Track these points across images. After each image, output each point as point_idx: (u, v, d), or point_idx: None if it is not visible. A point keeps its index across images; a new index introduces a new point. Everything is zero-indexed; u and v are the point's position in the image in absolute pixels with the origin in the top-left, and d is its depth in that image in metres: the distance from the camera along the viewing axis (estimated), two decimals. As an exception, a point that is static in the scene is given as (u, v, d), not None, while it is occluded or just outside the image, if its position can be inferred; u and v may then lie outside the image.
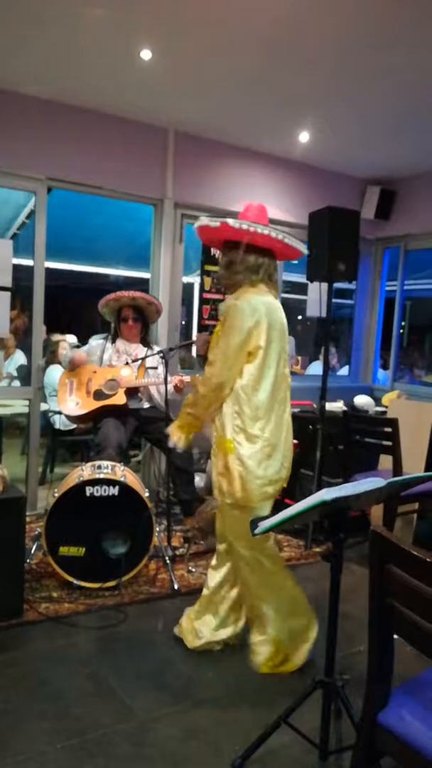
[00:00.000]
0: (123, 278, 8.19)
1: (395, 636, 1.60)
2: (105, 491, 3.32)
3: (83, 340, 6.20)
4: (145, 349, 4.26)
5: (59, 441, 5.44)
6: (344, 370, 6.56)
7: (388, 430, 3.82)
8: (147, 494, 3.47)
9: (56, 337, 6.04)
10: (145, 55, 3.49)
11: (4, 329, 4.37)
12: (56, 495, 3.32)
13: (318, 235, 4.32)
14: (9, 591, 2.97)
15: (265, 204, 5.22)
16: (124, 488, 3.34)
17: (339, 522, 1.97)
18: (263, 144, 5.00)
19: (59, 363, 5.53)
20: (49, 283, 4.47)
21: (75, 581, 3.28)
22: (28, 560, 3.39)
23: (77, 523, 3.28)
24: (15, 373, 6.14)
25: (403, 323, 7.29)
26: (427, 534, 4.24)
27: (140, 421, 4.15)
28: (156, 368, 4.11)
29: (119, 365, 4.15)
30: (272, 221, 5.36)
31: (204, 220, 2.64)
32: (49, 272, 4.50)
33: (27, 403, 4.58)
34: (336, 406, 5.05)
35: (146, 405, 4.23)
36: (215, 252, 5.11)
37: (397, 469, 3.77)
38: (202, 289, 5.17)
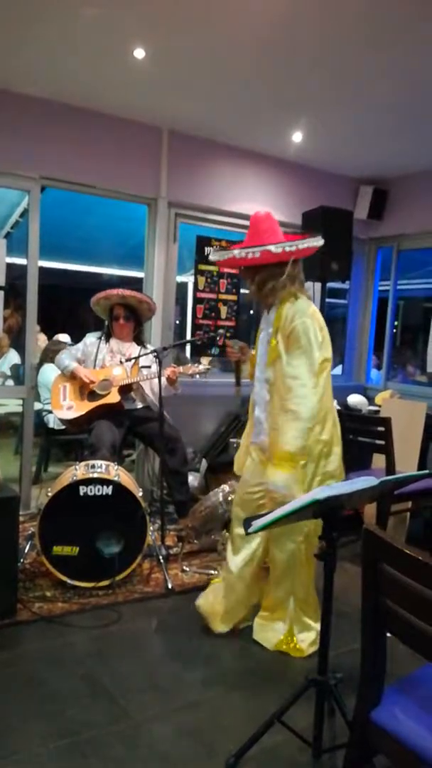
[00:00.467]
0: (117, 277, 8.18)
1: (388, 634, 1.60)
2: (99, 491, 3.32)
3: (76, 340, 6.20)
4: (139, 348, 4.25)
5: (53, 440, 5.43)
6: (337, 370, 6.58)
7: (381, 429, 3.83)
8: (141, 494, 3.47)
9: (61, 336, 6.03)
10: (139, 54, 3.49)
11: (-2, 328, 4.36)
12: (50, 494, 3.31)
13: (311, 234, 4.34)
14: (2, 591, 2.96)
15: (258, 204, 5.28)
16: (118, 488, 3.34)
17: (332, 521, 1.98)
18: (257, 143, 5.01)
19: (52, 362, 5.54)
20: (43, 282, 4.46)
21: (69, 581, 3.27)
22: (21, 560, 3.38)
23: (71, 522, 3.27)
24: (8, 373, 6.13)
25: (396, 323, 7.31)
26: (421, 532, 4.26)
27: (133, 421, 4.15)
28: (149, 368, 4.11)
29: (113, 365, 4.14)
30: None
31: (239, 253, 2.69)
32: (43, 271, 4.49)
33: (20, 402, 4.57)
34: (329, 405, 5.05)
35: (139, 405, 4.22)
36: (209, 251, 5.12)
37: (390, 467, 3.78)
38: (196, 289, 5.17)
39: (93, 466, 3.43)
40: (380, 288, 6.27)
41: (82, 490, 3.30)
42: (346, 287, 6.16)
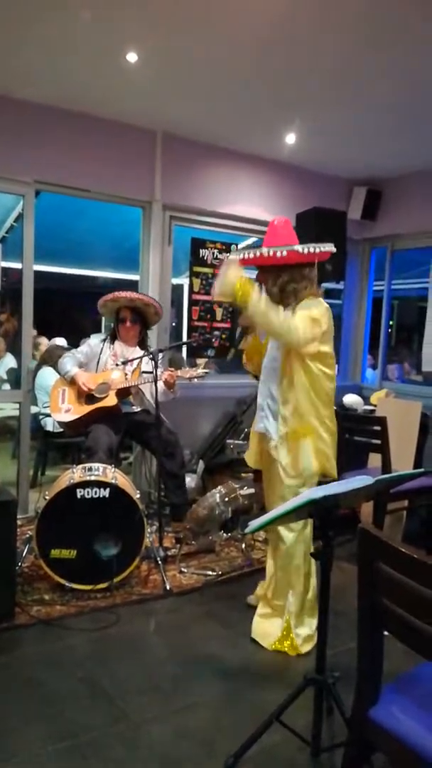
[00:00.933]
0: (112, 280, 8.18)
1: (385, 633, 1.61)
2: (96, 493, 3.32)
3: (73, 343, 6.21)
4: (142, 352, 4.23)
5: (50, 443, 5.44)
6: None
7: (376, 428, 3.84)
8: (138, 496, 3.48)
9: (42, 340, 6.04)
10: (131, 57, 3.50)
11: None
12: (47, 497, 3.32)
13: (305, 235, 4.34)
14: (0, 594, 2.96)
15: (252, 205, 5.29)
16: (115, 490, 3.34)
17: (328, 520, 1.99)
18: (251, 146, 5.02)
19: (51, 365, 5.54)
20: (39, 286, 4.46)
21: (67, 583, 3.27)
22: (19, 563, 3.38)
23: (68, 525, 3.28)
24: (5, 377, 6.13)
25: (390, 323, 7.34)
26: (417, 531, 4.28)
27: (131, 424, 4.15)
28: (151, 373, 4.09)
29: (113, 369, 4.14)
30: (259, 222, 5.42)
31: (268, 251, 2.76)
32: (38, 275, 4.49)
33: (17, 406, 4.57)
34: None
35: (137, 408, 4.22)
36: (204, 254, 5.13)
37: (386, 466, 3.79)
38: (191, 291, 5.18)
39: (90, 469, 3.44)
40: (374, 288, 6.30)
41: (80, 493, 3.31)
42: (341, 287, 6.18)
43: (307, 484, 2.84)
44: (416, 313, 8.82)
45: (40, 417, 5.31)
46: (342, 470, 3.86)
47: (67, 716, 2.33)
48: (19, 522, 3.29)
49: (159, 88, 3.97)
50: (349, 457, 4.48)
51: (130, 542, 3.36)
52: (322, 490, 1.83)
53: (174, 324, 6.84)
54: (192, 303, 5.17)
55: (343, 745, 1.84)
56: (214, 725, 2.33)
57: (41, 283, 4.57)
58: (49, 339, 6.19)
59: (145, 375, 4.09)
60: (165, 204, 4.86)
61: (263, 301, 2.71)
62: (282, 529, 2.93)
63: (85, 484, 3.31)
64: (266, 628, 2.94)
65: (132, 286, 5.03)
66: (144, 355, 4.03)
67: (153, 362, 3.76)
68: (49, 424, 5.27)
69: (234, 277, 2.68)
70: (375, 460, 4.15)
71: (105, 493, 3.33)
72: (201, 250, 5.14)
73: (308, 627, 2.92)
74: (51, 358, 5.41)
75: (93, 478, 3.34)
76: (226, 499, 3.92)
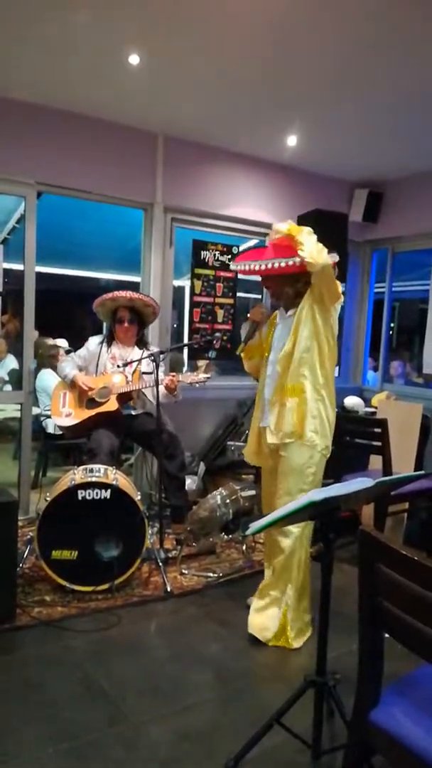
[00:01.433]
0: (114, 282, 8.19)
1: (386, 635, 1.61)
2: (97, 494, 3.33)
3: (73, 344, 6.22)
4: (140, 351, 4.23)
5: (51, 445, 5.44)
6: (334, 372, 6.60)
7: (377, 430, 3.85)
8: (139, 497, 3.48)
9: (49, 341, 6.04)
10: (133, 60, 3.50)
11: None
12: (48, 499, 3.32)
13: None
14: (1, 595, 2.97)
15: (254, 207, 5.31)
16: (116, 491, 3.34)
17: (329, 522, 1.99)
18: (252, 148, 5.03)
19: (51, 367, 5.55)
20: (40, 287, 4.47)
21: (68, 585, 3.28)
22: (20, 564, 3.38)
23: (70, 526, 3.28)
24: (6, 378, 6.13)
25: (392, 325, 7.34)
26: (417, 533, 4.27)
27: (133, 426, 4.14)
28: (151, 374, 4.09)
29: (113, 372, 4.13)
30: (261, 224, 5.42)
31: (279, 263, 2.86)
32: (40, 277, 4.49)
33: (19, 407, 4.57)
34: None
35: (139, 411, 4.21)
36: (205, 256, 5.14)
37: (387, 469, 3.80)
38: (192, 293, 5.18)
39: (91, 470, 3.44)
40: (376, 290, 6.30)
41: (81, 494, 3.31)
42: (342, 290, 6.17)
43: (289, 446, 2.92)
44: (417, 316, 8.82)
45: (42, 418, 5.31)
46: (342, 472, 3.88)
47: (68, 717, 2.33)
48: (20, 523, 3.29)
49: (160, 90, 3.98)
50: (350, 459, 4.50)
51: (131, 544, 3.36)
52: (323, 493, 1.83)
53: (175, 326, 6.84)
54: (193, 305, 5.17)
55: (343, 747, 1.84)
56: (214, 726, 2.33)
57: (43, 285, 4.58)
58: (52, 339, 6.21)
59: (146, 378, 4.09)
60: (166, 206, 4.87)
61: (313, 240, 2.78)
62: (280, 538, 2.95)
63: (86, 486, 3.32)
64: (263, 622, 2.97)
65: (133, 287, 5.03)
66: (145, 357, 4.03)
67: (154, 364, 3.76)
68: (51, 426, 5.28)
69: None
70: (376, 462, 4.15)
71: (106, 494, 3.34)
72: (202, 252, 5.15)
73: (301, 621, 2.98)
74: (35, 353, 5.45)
75: (94, 479, 3.35)
76: (227, 500, 3.93)
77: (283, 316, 3.11)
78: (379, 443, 3.82)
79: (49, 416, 5.25)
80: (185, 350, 5.87)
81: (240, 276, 5.30)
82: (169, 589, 3.41)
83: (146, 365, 4.11)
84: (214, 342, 5.22)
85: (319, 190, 5.53)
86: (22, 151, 4.21)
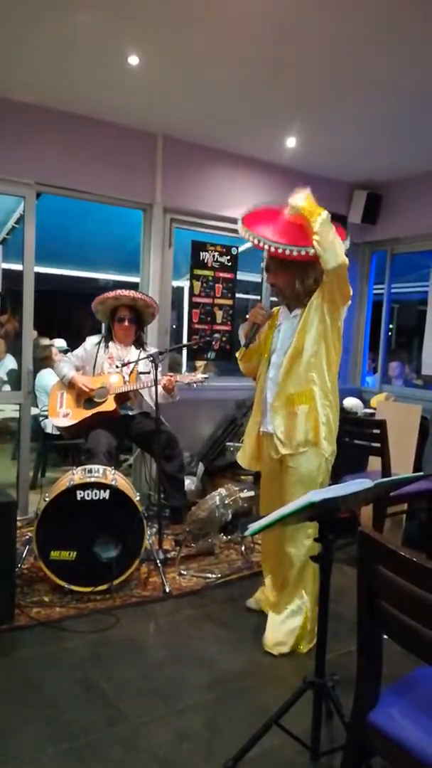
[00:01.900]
0: (113, 282, 8.19)
1: (384, 636, 1.62)
2: (96, 495, 3.33)
3: (72, 344, 6.22)
4: (138, 351, 4.23)
5: (50, 445, 5.44)
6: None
7: (376, 431, 3.85)
8: (138, 498, 3.48)
9: (44, 341, 6.05)
10: (133, 61, 3.51)
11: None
12: (47, 499, 3.32)
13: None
14: (0, 596, 2.96)
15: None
16: (115, 492, 3.34)
17: (328, 523, 1.99)
18: (251, 149, 5.03)
19: (50, 367, 5.55)
20: (39, 288, 4.47)
21: (66, 585, 3.27)
22: (19, 565, 3.38)
23: (68, 527, 3.28)
24: (5, 378, 6.13)
25: (390, 326, 7.34)
26: (417, 534, 4.28)
27: (131, 427, 4.14)
28: (148, 374, 4.08)
29: (111, 372, 4.13)
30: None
31: (298, 250, 2.78)
32: (39, 277, 4.49)
33: (17, 407, 4.57)
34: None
35: (136, 411, 4.21)
36: (204, 257, 5.14)
37: (386, 470, 3.80)
38: (191, 293, 5.18)
39: (90, 471, 3.44)
40: (375, 292, 6.30)
41: (80, 494, 3.31)
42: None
43: (300, 456, 2.85)
44: (416, 317, 8.83)
45: (41, 419, 5.31)
46: (342, 473, 3.89)
47: (66, 718, 2.33)
48: (18, 523, 3.30)
49: (160, 91, 3.98)
50: (349, 461, 4.50)
51: (130, 544, 3.36)
52: (322, 494, 1.84)
53: (174, 326, 6.84)
54: (192, 305, 5.17)
55: (342, 748, 1.83)
56: (213, 728, 2.33)
57: (42, 285, 4.58)
58: (50, 340, 6.21)
59: (143, 378, 4.09)
60: (166, 207, 4.87)
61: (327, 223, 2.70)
62: (292, 551, 2.91)
63: (85, 486, 3.32)
64: (279, 637, 2.90)
65: (133, 288, 5.03)
66: (144, 358, 4.03)
67: (153, 364, 3.76)
68: (49, 426, 5.27)
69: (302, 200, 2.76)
70: (375, 463, 4.16)
71: (105, 494, 3.34)
72: (201, 253, 5.15)
73: (314, 628, 2.91)
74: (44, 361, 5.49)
75: (93, 479, 3.35)
76: (226, 501, 3.92)
77: (287, 316, 3.01)
78: (378, 444, 3.82)
79: (47, 416, 5.25)
80: (184, 351, 5.87)
81: (242, 248, 5.28)
82: (167, 590, 3.41)
83: (144, 365, 4.11)
84: (213, 343, 5.22)
85: (318, 191, 5.45)
86: (22, 151, 4.21)
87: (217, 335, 5.23)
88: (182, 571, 3.71)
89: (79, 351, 4.27)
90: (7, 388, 5.90)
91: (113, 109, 4.32)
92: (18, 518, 3.17)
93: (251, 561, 3.88)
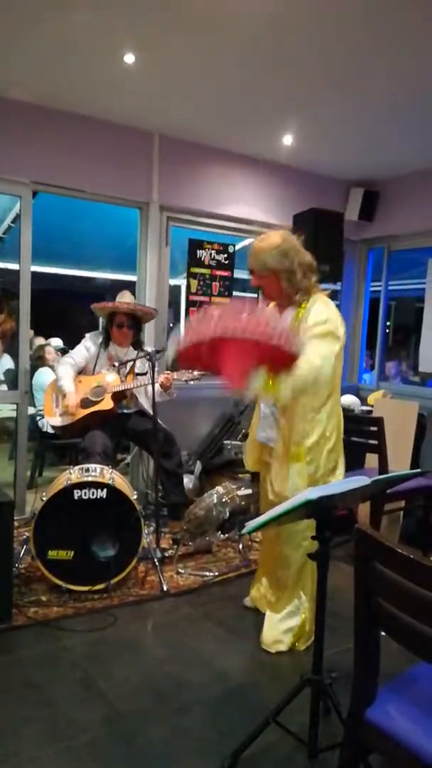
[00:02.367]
0: (110, 281, 8.18)
1: (382, 633, 1.62)
2: (93, 494, 3.33)
3: (69, 344, 6.21)
4: (136, 352, 4.22)
5: (47, 445, 5.43)
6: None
7: (373, 429, 3.85)
8: (135, 496, 3.48)
9: (39, 340, 6.05)
10: (129, 59, 3.50)
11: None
12: (44, 498, 3.32)
13: (302, 236, 4.36)
14: (-3, 596, 2.96)
15: (250, 206, 5.31)
16: (113, 491, 3.34)
17: (325, 520, 1.99)
18: (248, 147, 5.03)
19: (48, 366, 5.55)
20: (36, 287, 4.46)
21: (64, 585, 3.27)
22: (16, 564, 3.38)
23: (66, 526, 3.28)
24: (2, 378, 6.12)
25: (388, 323, 7.35)
26: (414, 531, 4.28)
27: (127, 425, 4.14)
28: (145, 374, 4.08)
29: (107, 371, 4.12)
30: (257, 223, 5.42)
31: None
32: (36, 276, 4.48)
33: (14, 407, 4.57)
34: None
35: (133, 409, 4.21)
36: (201, 255, 5.13)
37: (383, 467, 3.80)
38: (188, 292, 5.18)
39: (87, 470, 3.44)
40: (372, 289, 6.31)
41: (77, 493, 3.31)
42: (338, 288, 6.19)
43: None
44: (413, 314, 8.84)
45: (38, 418, 5.31)
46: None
47: (65, 717, 2.33)
48: (16, 523, 3.30)
49: (156, 89, 3.98)
50: (346, 458, 4.49)
51: (128, 543, 3.36)
52: (319, 491, 1.84)
53: (171, 325, 6.83)
54: (189, 304, 5.17)
55: (339, 745, 1.84)
56: (211, 726, 2.33)
57: (39, 284, 4.57)
58: (46, 339, 6.21)
59: (140, 378, 4.09)
60: (162, 205, 4.87)
61: (289, 385, 2.53)
62: (290, 552, 2.90)
63: (82, 485, 3.32)
64: (277, 636, 2.90)
65: (130, 286, 5.03)
66: (140, 357, 4.03)
67: (150, 363, 3.76)
68: (47, 426, 5.27)
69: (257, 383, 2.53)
70: (372, 460, 4.16)
71: (102, 493, 3.33)
72: (198, 251, 5.15)
73: (312, 627, 2.92)
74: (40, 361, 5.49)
75: (90, 478, 3.35)
76: (224, 499, 3.93)
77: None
78: (375, 442, 3.83)
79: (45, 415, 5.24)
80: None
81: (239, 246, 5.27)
82: (165, 589, 3.41)
83: (141, 367, 4.12)
84: None
85: (315, 188, 5.53)
86: (18, 150, 4.20)
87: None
88: (180, 570, 3.71)
89: (81, 351, 4.22)
90: (4, 387, 5.90)
91: (110, 107, 4.32)
92: (15, 518, 3.16)
93: (249, 559, 3.88)
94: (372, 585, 1.56)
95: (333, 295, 3.13)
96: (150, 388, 3.75)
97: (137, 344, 4.30)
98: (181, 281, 6.14)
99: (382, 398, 5.24)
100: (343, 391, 5.52)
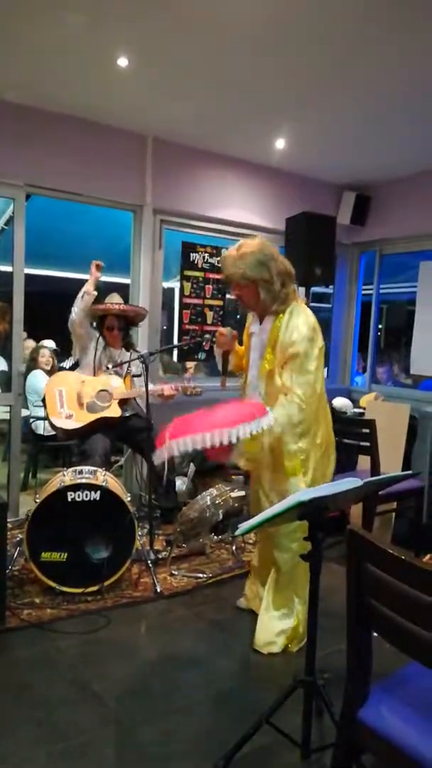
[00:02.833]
0: (103, 284, 8.16)
1: (374, 634, 1.63)
2: (86, 496, 3.33)
3: (62, 346, 6.20)
4: (128, 353, 4.23)
5: (41, 447, 5.42)
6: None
7: (365, 431, 3.87)
8: (129, 498, 3.48)
9: (30, 343, 6.03)
10: (122, 62, 3.51)
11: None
12: (38, 500, 3.32)
13: (295, 240, 4.38)
14: (-9, 598, 2.96)
15: (242, 210, 5.32)
16: (106, 493, 3.35)
17: (318, 522, 2.01)
18: (241, 150, 5.05)
19: (42, 369, 5.54)
20: (29, 289, 4.45)
21: (57, 587, 3.27)
22: (9, 567, 3.37)
23: (59, 528, 3.28)
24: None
25: (379, 326, 7.38)
26: (405, 533, 4.31)
27: (122, 428, 4.14)
28: (140, 376, 4.08)
29: (109, 375, 4.11)
30: (249, 227, 5.44)
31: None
32: (29, 279, 4.48)
33: (8, 409, 4.56)
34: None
35: (128, 412, 4.22)
36: (195, 258, 5.15)
37: (375, 469, 3.82)
38: (182, 294, 5.19)
39: (81, 472, 3.44)
40: (363, 292, 6.34)
41: (70, 495, 3.31)
42: (330, 291, 6.22)
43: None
44: (405, 317, 8.88)
45: (31, 420, 5.29)
46: (332, 472, 3.90)
47: (58, 719, 2.34)
48: (10, 525, 3.29)
49: (150, 93, 3.99)
50: (339, 460, 4.51)
51: (121, 545, 3.37)
52: (311, 493, 1.85)
53: (165, 327, 6.85)
54: (183, 306, 5.18)
55: (332, 746, 1.85)
56: (205, 727, 2.34)
57: (32, 287, 4.56)
58: (38, 342, 6.19)
59: (136, 380, 4.10)
60: (155, 208, 4.88)
61: (267, 435, 2.63)
62: (279, 554, 2.92)
63: (75, 487, 3.32)
64: (270, 638, 2.90)
65: (123, 289, 5.04)
66: (135, 359, 4.03)
67: (144, 365, 3.77)
68: (40, 428, 5.25)
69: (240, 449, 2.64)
70: (364, 462, 4.18)
71: (96, 495, 3.34)
72: (191, 254, 5.16)
73: (305, 629, 2.93)
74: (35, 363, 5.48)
75: (83, 480, 3.35)
76: (217, 501, 3.93)
77: (256, 329, 2.93)
78: (367, 444, 3.85)
79: (39, 418, 5.22)
80: (174, 351, 5.87)
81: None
82: (159, 590, 3.41)
83: (135, 368, 4.12)
84: (204, 344, 5.24)
85: (308, 192, 5.55)
86: (11, 152, 4.20)
87: (207, 336, 5.23)
88: (173, 572, 3.71)
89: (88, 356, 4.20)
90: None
91: (103, 110, 4.33)
92: (9, 520, 3.16)
93: (242, 560, 3.89)
94: (364, 586, 1.58)
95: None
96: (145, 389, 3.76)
97: (128, 345, 4.31)
98: (175, 284, 6.16)
99: (374, 401, 5.26)
100: (335, 394, 5.60)
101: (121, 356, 4.20)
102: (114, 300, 4.22)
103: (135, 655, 2.85)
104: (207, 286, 5.25)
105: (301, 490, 1.88)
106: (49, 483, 3.54)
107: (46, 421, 4.16)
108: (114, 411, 3.97)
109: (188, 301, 5.18)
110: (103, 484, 3.35)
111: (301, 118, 4.29)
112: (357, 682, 1.66)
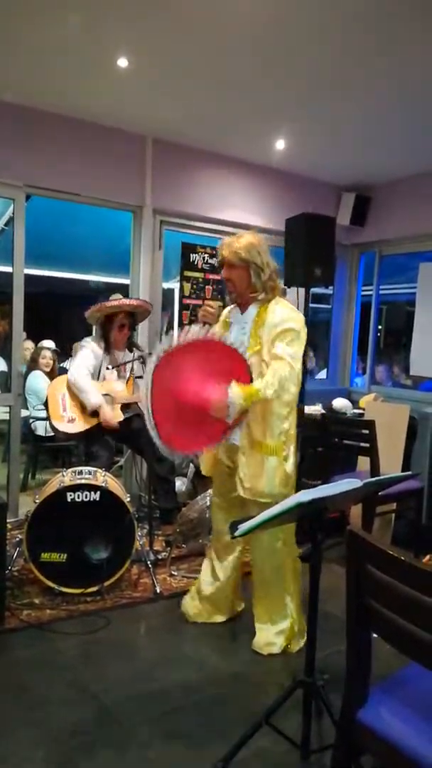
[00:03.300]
0: (103, 284, 8.18)
1: (374, 635, 1.63)
2: (86, 497, 3.33)
3: (62, 346, 6.20)
4: (132, 354, 4.18)
5: (40, 447, 5.42)
6: (322, 374, 6.63)
7: (365, 431, 3.88)
8: (128, 499, 3.48)
9: (29, 344, 6.03)
10: (122, 63, 3.51)
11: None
12: (37, 501, 3.32)
13: (294, 240, 4.37)
14: (-10, 598, 2.96)
15: (242, 210, 5.32)
16: (105, 493, 3.35)
17: (317, 523, 2.01)
18: (241, 151, 5.05)
19: (42, 370, 5.54)
20: (30, 290, 4.45)
21: (57, 587, 3.27)
22: (9, 567, 3.37)
23: (59, 529, 3.28)
24: (-5, 380, 6.10)
25: (379, 327, 7.38)
26: (405, 534, 4.31)
27: (122, 428, 4.14)
28: (142, 377, 4.05)
29: (114, 379, 4.10)
30: (249, 227, 5.41)
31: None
32: (29, 279, 4.48)
33: (7, 409, 4.56)
34: (314, 409, 5.11)
35: (129, 414, 4.20)
36: (194, 258, 5.14)
37: (375, 469, 3.82)
38: (182, 295, 5.19)
39: (80, 473, 3.44)
40: (363, 293, 6.34)
41: (70, 496, 3.31)
42: (330, 292, 6.22)
43: (258, 506, 2.63)
44: (404, 318, 8.88)
45: (31, 421, 5.29)
46: (331, 473, 3.91)
47: (58, 719, 2.33)
48: (9, 526, 3.29)
49: (150, 93, 3.99)
50: (338, 460, 4.53)
51: (121, 546, 3.37)
52: (311, 494, 1.85)
53: (166, 328, 6.83)
54: (183, 307, 5.18)
55: (331, 747, 1.85)
56: (204, 728, 2.34)
57: (32, 287, 4.56)
58: (37, 342, 6.19)
59: (138, 381, 4.09)
60: (155, 209, 4.88)
61: (270, 383, 2.66)
62: (261, 555, 2.91)
63: (75, 488, 3.32)
64: (269, 638, 2.91)
65: (123, 289, 5.04)
66: (135, 360, 4.02)
67: (143, 366, 3.76)
68: (40, 428, 5.26)
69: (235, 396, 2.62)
70: (364, 463, 4.18)
71: (95, 496, 3.34)
72: (191, 255, 5.15)
73: (302, 627, 2.93)
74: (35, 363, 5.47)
75: (83, 481, 3.35)
76: (216, 502, 3.93)
77: (238, 320, 2.96)
78: (366, 444, 3.85)
79: (38, 419, 5.23)
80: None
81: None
82: (158, 591, 3.41)
83: (137, 368, 4.11)
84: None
85: (307, 193, 5.55)
86: (11, 153, 4.20)
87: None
88: (173, 572, 3.71)
89: (89, 357, 4.07)
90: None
91: (103, 111, 4.33)
92: (8, 520, 3.16)
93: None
94: (364, 587, 1.57)
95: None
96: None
97: (132, 346, 4.30)
98: (175, 284, 6.15)
99: (374, 401, 5.26)
100: (335, 394, 5.59)
101: (124, 357, 4.19)
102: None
103: (134, 656, 2.85)
104: (207, 286, 5.24)
105: (300, 493, 1.88)
106: (49, 483, 3.54)
107: (47, 422, 4.17)
108: (117, 416, 3.96)
109: (188, 301, 5.17)
110: (103, 484, 3.34)
111: (301, 118, 4.29)
112: (356, 683, 1.65)
